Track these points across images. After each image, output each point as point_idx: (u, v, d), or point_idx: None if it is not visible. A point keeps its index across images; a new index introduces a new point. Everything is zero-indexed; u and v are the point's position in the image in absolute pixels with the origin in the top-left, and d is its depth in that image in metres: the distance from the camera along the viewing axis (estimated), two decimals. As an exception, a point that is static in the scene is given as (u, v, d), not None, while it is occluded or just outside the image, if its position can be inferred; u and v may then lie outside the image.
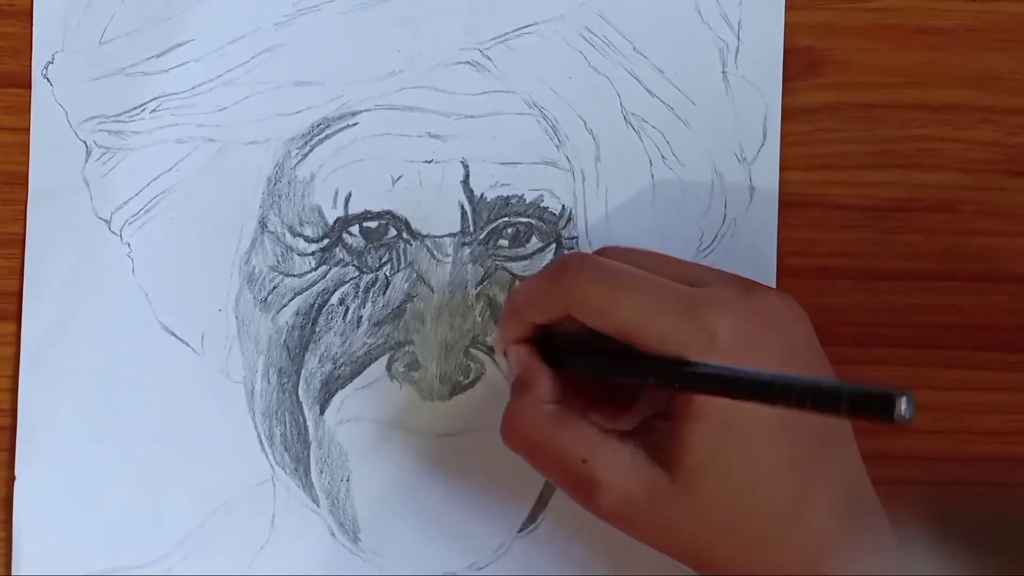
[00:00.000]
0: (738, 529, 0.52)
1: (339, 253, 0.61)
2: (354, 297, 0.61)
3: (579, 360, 0.55)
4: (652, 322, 0.52)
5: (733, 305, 0.52)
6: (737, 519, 0.52)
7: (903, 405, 0.42)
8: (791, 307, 0.54)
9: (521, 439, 0.55)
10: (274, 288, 0.61)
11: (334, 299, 0.61)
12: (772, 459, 0.52)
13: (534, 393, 0.55)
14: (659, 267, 0.55)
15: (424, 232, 0.61)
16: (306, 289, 0.61)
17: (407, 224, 0.61)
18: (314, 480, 0.61)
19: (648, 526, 0.53)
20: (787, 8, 0.61)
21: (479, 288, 0.61)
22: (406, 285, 0.61)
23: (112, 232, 0.61)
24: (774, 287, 0.60)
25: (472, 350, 0.61)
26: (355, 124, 0.61)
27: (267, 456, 0.61)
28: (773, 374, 0.47)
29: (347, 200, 0.61)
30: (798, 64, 0.61)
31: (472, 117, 0.61)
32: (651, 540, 0.53)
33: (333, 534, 0.61)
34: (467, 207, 0.61)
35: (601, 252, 0.57)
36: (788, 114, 0.61)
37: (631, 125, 0.61)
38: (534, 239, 0.61)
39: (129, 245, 0.61)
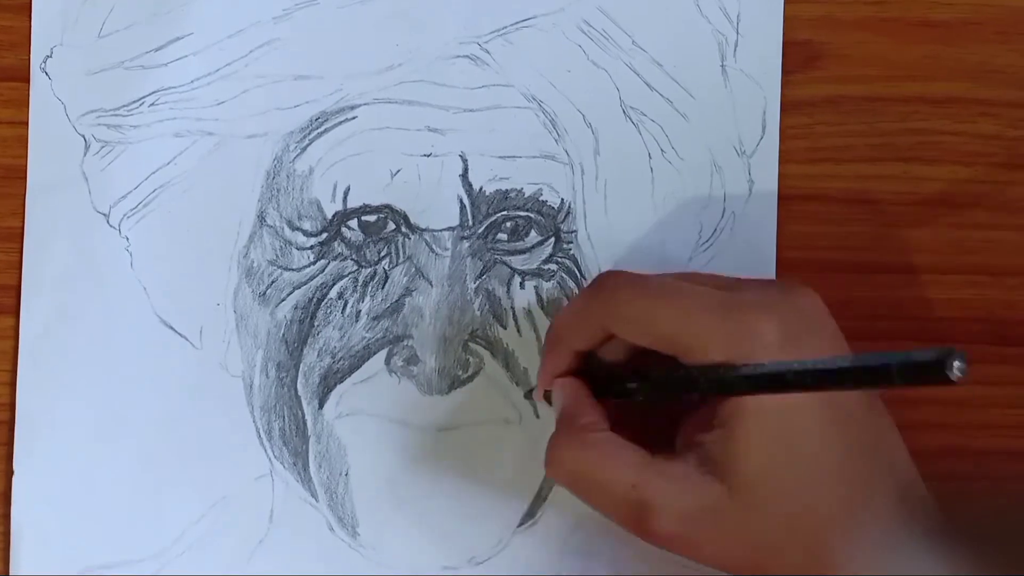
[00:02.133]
0: (799, 533, 0.51)
1: (338, 247, 0.61)
2: (353, 291, 0.61)
3: (625, 388, 0.55)
4: (694, 327, 0.52)
5: (775, 305, 0.52)
6: (797, 523, 0.51)
7: (955, 364, 0.42)
8: (821, 303, 0.54)
9: (565, 470, 0.54)
10: (272, 282, 0.61)
11: (333, 293, 0.61)
12: (826, 460, 0.51)
13: (578, 423, 0.54)
14: (692, 279, 0.55)
15: (423, 226, 0.61)
16: (305, 283, 0.61)
17: (406, 218, 0.61)
18: (313, 474, 0.61)
19: (708, 543, 0.52)
20: (786, 1, 0.61)
21: (478, 282, 0.61)
22: (405, 279, 0.61)
23: (111, 226, 0.61)
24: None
25: (471, 344, 0.60)
26: (354, 118, 0.61)
27: (266, 450, 0.61)
28: (819, 362, 0.47)
29: (346, 194, 0.61)
30: (797, 57, 0.61)
31: (471, 111, 0.61)
32: (710, 557, 0.52)
33: (332, 528, 0.61)
34: (466, 201, 0.61)
35: None
36: (787, 107, 0.61)
37: (630, 119, 0.61)
38: (533, 233, 0.61)
39: (127, 239, 0.61)
